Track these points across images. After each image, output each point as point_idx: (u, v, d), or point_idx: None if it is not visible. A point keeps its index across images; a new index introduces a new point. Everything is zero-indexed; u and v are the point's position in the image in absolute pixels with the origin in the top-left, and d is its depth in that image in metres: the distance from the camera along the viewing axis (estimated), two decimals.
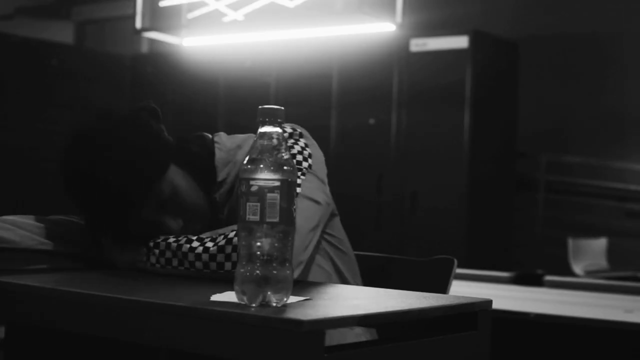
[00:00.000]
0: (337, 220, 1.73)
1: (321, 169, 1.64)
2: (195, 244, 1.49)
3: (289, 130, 1.63)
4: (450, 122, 5.46)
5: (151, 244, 1.54)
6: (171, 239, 1.53)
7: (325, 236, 1.68)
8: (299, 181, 1.55)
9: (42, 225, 1.61)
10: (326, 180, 1.65)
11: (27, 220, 1.61)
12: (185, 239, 1.51)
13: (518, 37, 6.09)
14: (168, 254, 1.51)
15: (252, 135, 1.64)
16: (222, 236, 1.48)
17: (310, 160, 1.61)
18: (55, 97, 6.36)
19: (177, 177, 1.60)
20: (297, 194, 1.51)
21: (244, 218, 1.20)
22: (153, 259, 1.53)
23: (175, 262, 1.50)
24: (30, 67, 6.26)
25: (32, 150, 6.16)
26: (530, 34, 6.40)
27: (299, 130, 1.65)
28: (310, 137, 1.66)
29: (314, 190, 1.57)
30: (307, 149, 1.62)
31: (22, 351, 1.81)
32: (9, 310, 1.44)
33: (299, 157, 1.60)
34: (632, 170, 6.23)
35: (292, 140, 1.62)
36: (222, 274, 1.45)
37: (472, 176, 5.44)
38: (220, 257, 1.46)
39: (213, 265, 1.46)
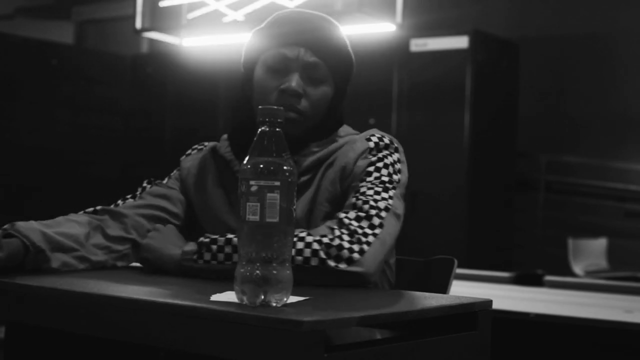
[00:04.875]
0: None
1: (404, 188, 1.65)
2: None
3: (386, 140, 1.65)
4: (450, 122, 5.45)
5: (206, 239, 1.51)
6: (230, 234, 1.50)
7: None
8: (391, 193, 1.57)
9: (77, 234, 1.59)
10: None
11: (66, 230, 1.58)
12: None
13: (518, 37, 6.09)
14: (228, 249, 1.48)
15: (362, 135, 1.68)
16: None
17: (399, 175, 1.63)
18: (55, 97, 6.36)
19: (330, 88, 1.68)
20: (389, 208, 1.53)
21: (244, 218, 1.20)
22: (207, 256, 1.50)
23: (235, 258, 1.47)
24: (30, 67, 6.25)
25: (32, 150, 6.16)
26: (530, 34, 6.40)
27: (395, 144, 1.67)
28: (403, 154, 1.68)
29: (400, 206, 1.59)
30: (398, 164, 1.64)
31: (22, 351, 1.80)
32: (9, 310, 1.43)
33: (391, 169, 1.61)
34: (632, 171, 6.23)
35: (387, 151, 1.64)
36: None
37: (472, 176, 5.43)
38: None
39: None
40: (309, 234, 1.46)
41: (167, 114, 6.60)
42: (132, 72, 6.81)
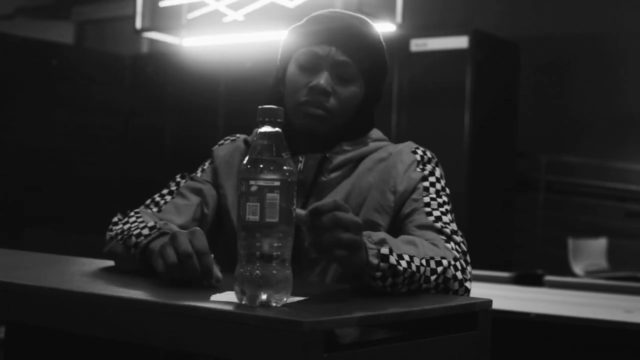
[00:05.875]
0: None
1: None
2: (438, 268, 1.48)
3: (429, 154, 1.71)
4: (450, 122, 5.45)
5: (393, 258, 1.38)
6: (413, 266, 1.41)
7: None
8: (452, 217, 1.62)
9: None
10: None
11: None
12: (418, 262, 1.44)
13: (518, 37, 6.09)
14: (403, 280, 1.39)
15: (403, 146, 1.72)
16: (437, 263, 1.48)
17: (447, 190, 1.68)
18: (55, 97, 6.36)
19: (360, 89, 1.69)
20: (465, 243, 1.58)
21: (244, 218, 1.20)
22: (389, 282, 1.37)
23: (414, 286, 1.42)
24: (30, 67, 6.25)
25: (32, 150, 6.16)
26: (530, 34, 6.40)
27: (435, 158, 1.73)
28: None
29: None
30: (442, 179, 1.69)
31: (22, 351, 1.80)
32: (9, 310, 1.43)
33: (443, 183, 1.67)
34: (632, 171, 6.23)
35: (430, 166, 1.69)
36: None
37: (472, 176, 5.43)
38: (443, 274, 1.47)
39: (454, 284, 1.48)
40: (451, 264, 1.49)
41: (167, 114, 6.60)
42: (131, 72, 6.80)
